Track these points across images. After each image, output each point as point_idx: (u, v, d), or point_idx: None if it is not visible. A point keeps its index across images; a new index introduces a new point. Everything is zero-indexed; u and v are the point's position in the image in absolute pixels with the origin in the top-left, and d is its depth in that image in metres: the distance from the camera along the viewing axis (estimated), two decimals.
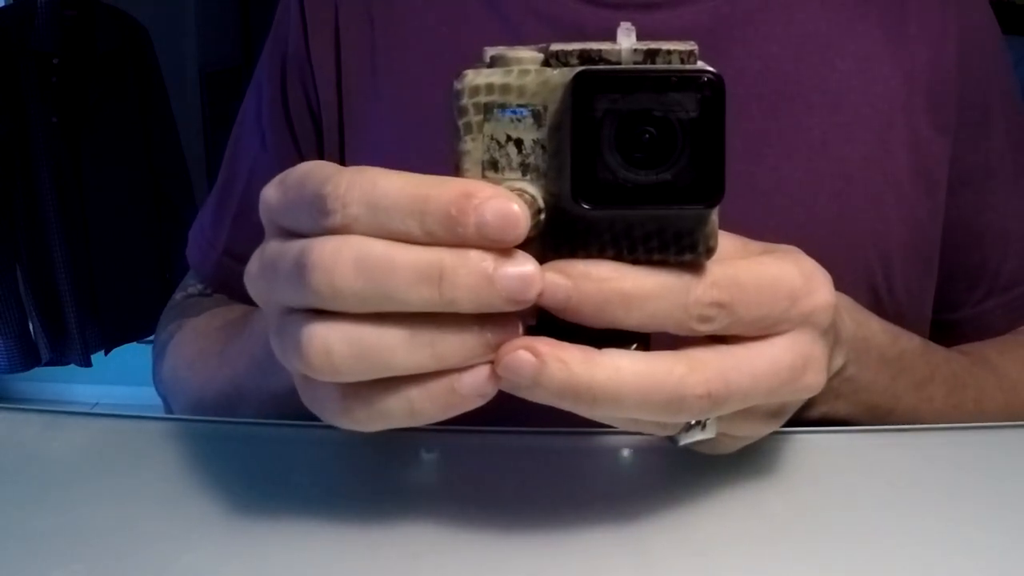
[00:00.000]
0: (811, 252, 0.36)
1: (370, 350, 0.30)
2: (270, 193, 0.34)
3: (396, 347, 0.30)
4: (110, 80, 2.13)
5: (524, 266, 0.30)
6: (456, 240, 0.29)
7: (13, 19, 2.00)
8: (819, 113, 0.54)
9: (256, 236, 0.35)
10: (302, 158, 0.60)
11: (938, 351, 0.53)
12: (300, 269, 0.30)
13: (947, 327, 0.61)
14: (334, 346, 0.30)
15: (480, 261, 0.29)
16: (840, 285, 0.36)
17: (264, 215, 0.34)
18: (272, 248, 0.33)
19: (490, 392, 0.31)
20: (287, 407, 0.44)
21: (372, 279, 0.30)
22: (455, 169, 0.31)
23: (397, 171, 0.31)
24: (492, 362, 0.31)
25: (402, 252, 0.30)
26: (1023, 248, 0.62)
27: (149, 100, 2.21)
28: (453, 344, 0.30)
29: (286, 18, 0.62)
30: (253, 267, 0.34)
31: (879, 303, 0.54)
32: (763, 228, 0.37)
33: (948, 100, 0.57)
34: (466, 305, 0.30)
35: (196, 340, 0.60)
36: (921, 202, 0.56)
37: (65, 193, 2.09)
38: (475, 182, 0.30)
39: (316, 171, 0.32)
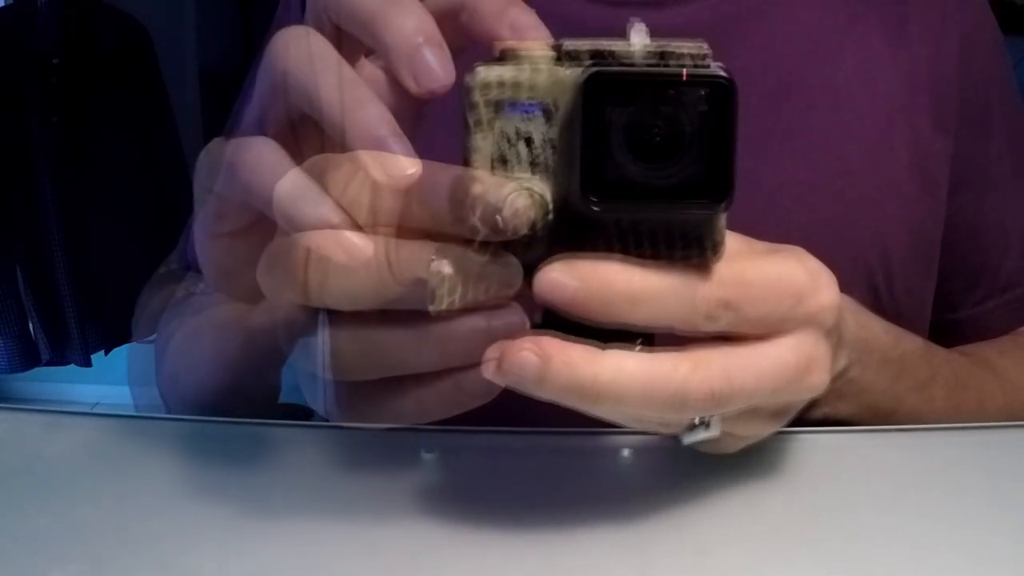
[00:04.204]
0: (811, 251, 0.36)
1: (378, 350, 0.30)
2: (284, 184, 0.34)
3: (404, 347, 0.30)
4: (110, 80, 2.12)
5: (510, 262, 0.30)
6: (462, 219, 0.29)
7: (13, 19, 2.00)
8: (820, 112, 0.54)
9: None
10: (302, 158, 0.60)
11: (939, 352, 0.53)
12: (289, 267, 0.31)
13: (947, 327, 0.61)
14: (342, 346, 0.30)
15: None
16: (840, 285, 0.36)
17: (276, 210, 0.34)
18: (275, 244, 0.33)
19: (496, 389, 0.31)
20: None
21: (364, 278, 0.30)
22: (464, 165, 0.31)
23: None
24: (498, 359, 0.31)
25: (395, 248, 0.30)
26: (1023, 248, 0.62)
27: (149, 100, 2.21)
28: (461, 343, 0.30)
29: (286, 18, 0.62)
30: (262, 262, 0.34)
31: (879, 303, 0.54)
32: (763, 227, 0.37)
33: (949, 100, 0.57)
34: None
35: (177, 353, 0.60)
36: (922, 202, 0.56)
37: (65, 193, 2.09)
38: (479, 171, 0.30)
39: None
